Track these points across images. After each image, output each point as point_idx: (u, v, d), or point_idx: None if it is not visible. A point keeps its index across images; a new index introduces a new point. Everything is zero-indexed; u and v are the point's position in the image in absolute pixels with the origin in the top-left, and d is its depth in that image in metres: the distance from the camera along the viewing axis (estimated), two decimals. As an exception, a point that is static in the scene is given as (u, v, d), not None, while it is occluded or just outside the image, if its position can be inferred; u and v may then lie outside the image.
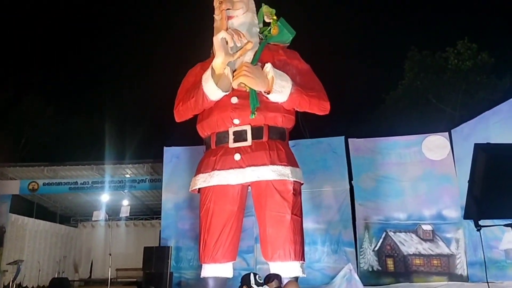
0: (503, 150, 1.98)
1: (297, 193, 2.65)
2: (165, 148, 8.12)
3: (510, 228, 1.97)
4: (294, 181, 2.62)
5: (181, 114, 2.79)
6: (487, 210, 1.84)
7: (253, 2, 2.85)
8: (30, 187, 11.31)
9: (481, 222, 1.90)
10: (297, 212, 2.62)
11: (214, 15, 2.80)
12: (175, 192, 7.71)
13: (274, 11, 2.82)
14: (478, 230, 1.89)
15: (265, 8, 2.82)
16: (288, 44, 2.95)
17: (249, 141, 2.58)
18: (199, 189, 2.74)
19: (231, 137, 2.61)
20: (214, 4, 2.84)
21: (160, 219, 8.14)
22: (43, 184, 11.45)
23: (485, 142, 2.07)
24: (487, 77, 14.89)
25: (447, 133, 7.08)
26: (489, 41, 15.44)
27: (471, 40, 14.95)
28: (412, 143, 7.15)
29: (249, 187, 2.73)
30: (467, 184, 1.95)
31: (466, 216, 1.95)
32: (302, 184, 2.73)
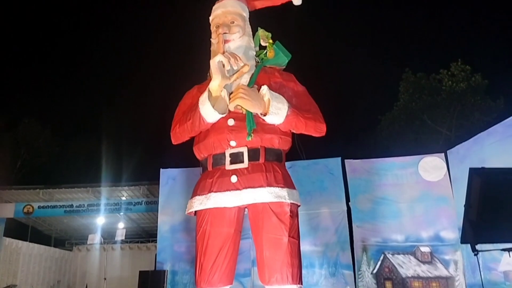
0: (497, 175, 1.99)
1: (294, 215, 2.63)
2: (161, 170, 8.09)
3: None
4: (291, 203, 2.60)
5: (177, 136, 2.79)
6: (484, 234, 1.83)
7: (249, 26, 2.89)
8: (25, 210, 11.21)
9: (478, 246, 1.89)
10: (294, 235, 2.59)
11: (211, 39, 2.83)
12: (171, 214, 7.65)
13: (270, 34, 2.85)
14: (476, 254, 1.88)
15: (261, 32, 2.86)
16: (284, 67, 2.98)
17: (245, 163, 2.57)
18: (195, 211, 2.71)
19: (227, 159, 2.60)
20: (211, 28, 2.88)
21: (156, 242, 8.05)
22: (38, 207, 11.36)
23: (481, 163, 2.10)
24: (481, 98, 15.05)
25: (443, 154, 7.11)
26: (482, 63, 15.70)
27: (464, 62, 15.17)
28: (409, 164, 7.16)
29: (246, 209, 2.71)
30: (463, 206, 1.95)
31: (463, 240, 1.94)
32: (299, 206, 2.72)
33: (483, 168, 1.97)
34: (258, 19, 2.98)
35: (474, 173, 1.88)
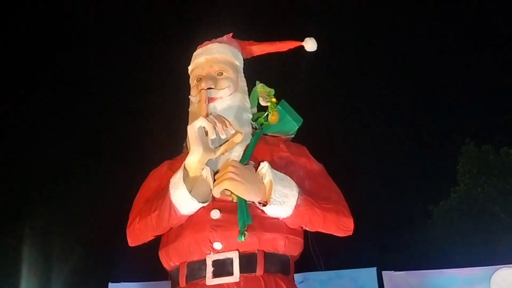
0: None
1: None
2: (110, 284, 7.95)
3: None
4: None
5: (136, 234, 2.75)
6: None
7: (244, 79, 2.91)
8: None
9: None
10: None
11: (189, 96, 2.86)
12: None
13: (272, 91, 2.87)
14: None
15: (260, 87, 2.88)
16: (293, 136, 3.00)
17: (236, 276, 2.51)
18: None
19: (209, 269, 2.54)
20: (190, 82, 2.91)
21: None
22: None
23: None
24: None
25: (525, 264, 7.06)
26: None
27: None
28: (477, 279, 7.09)
29: None
30: None
31: None
32: None
33: None
34: (258, 70, 3.06)
35: None
